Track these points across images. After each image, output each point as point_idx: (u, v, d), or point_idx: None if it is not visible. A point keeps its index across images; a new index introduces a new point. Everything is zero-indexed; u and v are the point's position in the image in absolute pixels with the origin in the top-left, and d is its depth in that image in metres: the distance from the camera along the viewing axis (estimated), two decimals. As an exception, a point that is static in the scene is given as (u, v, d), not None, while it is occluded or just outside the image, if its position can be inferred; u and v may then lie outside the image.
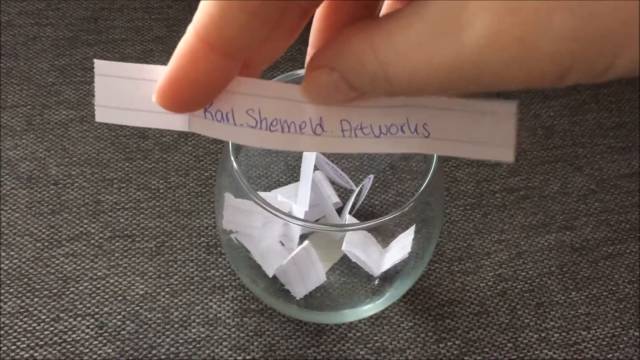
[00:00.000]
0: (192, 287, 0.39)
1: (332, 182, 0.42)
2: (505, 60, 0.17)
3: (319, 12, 0.23)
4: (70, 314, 0.37)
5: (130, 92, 0.21)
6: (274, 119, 0.22)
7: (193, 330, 0.37)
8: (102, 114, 0.21)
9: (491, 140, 0.23)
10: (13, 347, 0.36)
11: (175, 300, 0.38)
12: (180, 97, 0.20)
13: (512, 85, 0.18)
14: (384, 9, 0.23)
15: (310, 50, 0.24)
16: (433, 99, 0.23)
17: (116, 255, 0.40)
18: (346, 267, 0.38)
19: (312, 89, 0.21)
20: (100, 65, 0.21)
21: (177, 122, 0.21)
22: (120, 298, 0.38)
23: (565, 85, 0.17)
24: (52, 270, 0.39)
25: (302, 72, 0.33)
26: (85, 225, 0.41)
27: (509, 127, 0.23)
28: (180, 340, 0.37)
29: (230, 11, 0.18)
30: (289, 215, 0.30)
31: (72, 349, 0.36)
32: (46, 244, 0.40)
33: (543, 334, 0.38)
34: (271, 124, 0.22)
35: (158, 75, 0.21)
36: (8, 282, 0.38)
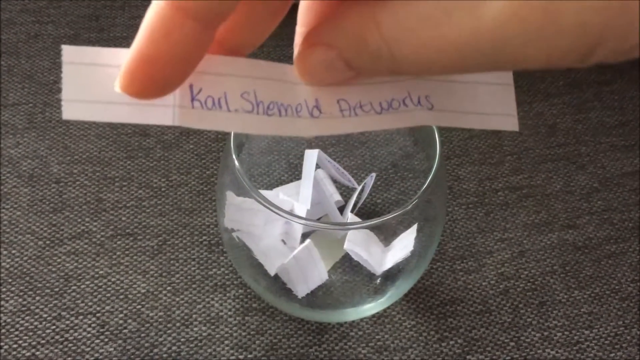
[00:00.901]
0: (193, 286, 0.39)
1: (334, 181, 0.42)
2: (527, 34, 0.15)
3: None
4: (71, 312, 0.37)
5: (104, 82, 0.18)
6: (270, 102, 0.20)
7: (195, 329, 0.37)
8: (71, 110, 0.18)
9: (494, 110, 0.22)
10: (15, 345, 0.36)
11: (177, 299, 0.38)
12: (151, 79, 0.17)
13: (530, 64, 0.16)
14: None
15: (299, 29, 0.22)
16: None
17: (118, 253, 0.40)
18: (348, 265, 0.38)
19: (305, 68, 0.20)
20: (70, 52, 0.18)
21: (158, 114, 0.19)
22: (121, 297, 0.38)
23: (588, 65, 0.16)
24: (54, 269, 0.39)
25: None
26: (86, 224, 0.41)
27: (508, 95, 0.22)
28: (182, 339, 0.37)
29: None
30: (291, 213, 0.30)
31: (74, 348, 0.36)
32: (48, 242, 0.40)
33: (545, 333, 0.38)
34: (268, 107, 0.20)
35: None
36: (10, 280, 0.38)
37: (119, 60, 0.18)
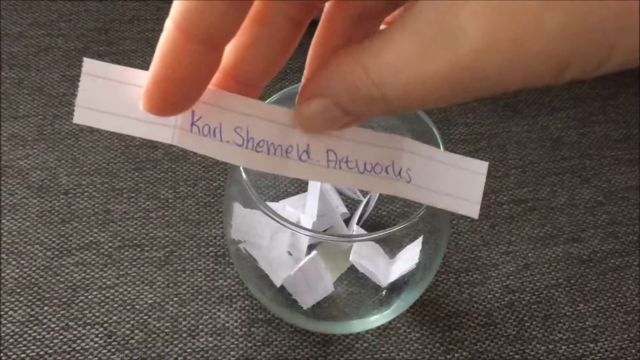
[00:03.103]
0: (200, 297, 0.39)
1: (340, 193, 0.42)
2: (501, 63, 0.17)
3: (315, 39, 0.23)
4: (79, 322, 0.38)
5: (117, 96, 0.20)
6: (261, 140, 0.22)
7: (201, 339, 0.37)
8: (82, 116, 0.20)
9: (462, 195, 0.24)
10: (22, 355, 0.36)
11: (184, 310, 0.38)
12: (167, 98, 0.19)
13: (509, 87, 0.18)
14: None
15: (306, 74, 0.23)
16: (420, 146, 0.24)
17: (125, 264, 0.40)
18: (354, 277, 0.38)
19: (305, 119, 0.21)
20: (90, 65, 0.20)
21: (160, 132, 0.21)
22: (129, 307, 0.38)
23: (562, 83, 0.17)
24: (62, 279, 0.39)
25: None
26: (94, 235, 0.41)
27: (479, 184, 0.24)
28: (188, 350, 0.37)
29: None
30: (297, 225, 0.31)
31: (81, 358, 0.36)
32: (56, 252, 0.40)
33: (550, 346, 0.38)
34: (258, 144, 0.22)
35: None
36: (18, 290, 0.38)
37: (130, 79, 0.20)
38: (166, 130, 0.21)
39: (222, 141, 0.21)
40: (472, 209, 0.24)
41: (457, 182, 0.24)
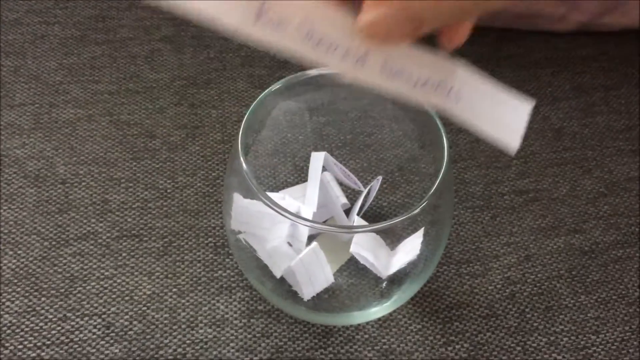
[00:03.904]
0: (199, 288, 0.39)
1: (340, 183, 0.42)
2: None
3: None
4: (77, 313, 0.37)
5: None
6: (323, 38, 0.23)
7: (200, 331, 0.37)
8: None
9: (504, 125, 0.25)
10: (20, 346, 0.36)
11: (183, 301, 0.38)
12: None
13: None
14: None
15: None
16: (472, 72, 0.24)
17: (123, 255, 0.40)
18: (354, 268, 0.38)
19: (369, 24, 0.22)
20: None
21: (230, 15, 0.22)
22: (127, 298, 0.38)
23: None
24: (59, 270, 0.39)
25: (313, 72, 0.33)
26: (92, 225, 0.41)
27: (522, 119, 0.26)
28: (187, 341, 0.37)
29: None
30: (297, 216, 0.30)
31: (79, 349, 0.36)
32: (53, 243, 0.40)
33: (552, 338, 0.38)
34: (320, 41, 0.23)
35: None
36: (15, 281, 0.38)
37: None
38: (236, 14, 0.22)
39: (286, 33, 0.22)
40: (512, 140, 0.26)
41: (502, 113, 0.25)
